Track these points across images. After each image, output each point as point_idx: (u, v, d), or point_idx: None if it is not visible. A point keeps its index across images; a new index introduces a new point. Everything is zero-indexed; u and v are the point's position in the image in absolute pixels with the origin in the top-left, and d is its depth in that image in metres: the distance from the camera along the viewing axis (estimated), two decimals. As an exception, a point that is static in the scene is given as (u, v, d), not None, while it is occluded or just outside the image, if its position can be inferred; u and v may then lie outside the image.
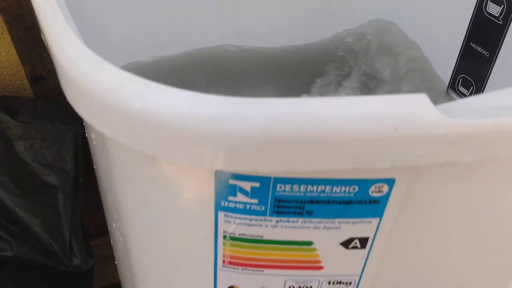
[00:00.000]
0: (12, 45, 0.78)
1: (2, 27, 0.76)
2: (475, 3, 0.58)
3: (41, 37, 0.73)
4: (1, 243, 0.72)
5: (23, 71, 0.82)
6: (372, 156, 0.23)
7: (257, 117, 0.22)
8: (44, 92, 0.81)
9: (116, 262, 0.61)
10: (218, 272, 0.33)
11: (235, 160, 0.23)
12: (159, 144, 0.23)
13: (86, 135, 0.41)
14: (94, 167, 0.49)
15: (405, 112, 0.22)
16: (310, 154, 0.22)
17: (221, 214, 0.29)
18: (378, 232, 0.30)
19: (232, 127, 0.22)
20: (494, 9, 0.56)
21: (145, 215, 0.33)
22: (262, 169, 0.23)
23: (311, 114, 0.22)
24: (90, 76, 0.24)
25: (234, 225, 0.29)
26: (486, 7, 0.57)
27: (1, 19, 0.74)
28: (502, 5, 0.55)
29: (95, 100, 0.24)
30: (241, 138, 0.22)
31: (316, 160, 0.23)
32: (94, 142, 0.34)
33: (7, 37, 0.77)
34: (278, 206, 0.28)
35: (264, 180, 0.27)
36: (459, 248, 0.33)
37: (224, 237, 0.30)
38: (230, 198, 0.28)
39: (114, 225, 0.41)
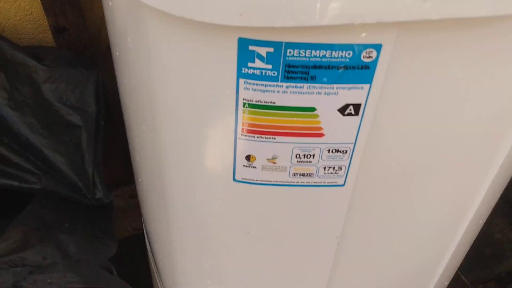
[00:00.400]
0: (36, -1, 0.84)
1: (27, -19, 0.82)
2: None
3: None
4: (31, 176, 0.79)
5: (46, 24, 0.89)
6: (361, 11, 0.30)
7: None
8: (66, 43, 0.88)
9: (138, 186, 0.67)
10: (238, 141, 0.40)
11: (255, 16, 0.30)
12: (197, 5, 0.30)
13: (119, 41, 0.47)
14: (120, 87, 0.56)
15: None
16: (317, 6, 0.29)
17: (241, 81, 0.36)
18: (368, 99, 0.37)
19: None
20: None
21: (179, 97, 0.39)
22: (278, 23, 0.30)
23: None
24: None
25: (252, 92, 0.36)
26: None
27: (27, -28, 0.80)
28: None
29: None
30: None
31: (320, 14, 0.30)
32: (128, 23, 0.40)
33: (32, -9, 0.83)
34: (288, 72, 0.35)
35: (277, 45, 0.34)
36: (443, 118, 0.39)
37: (244, 104, 0.37)
38: (250, 64, 0.35)
39: (145, 134, 0.48)
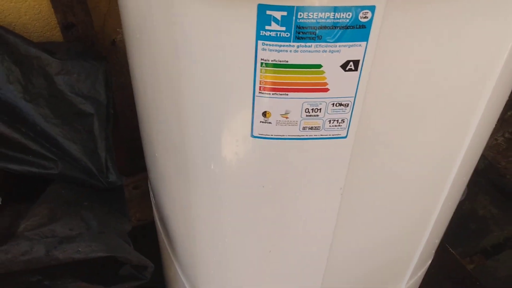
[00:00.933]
0: (45, -2, 0.90)
1: (36, -18, 0.88)
2: None
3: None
4: (48, 163, 0.84)
5: (53, 22, 0.95)
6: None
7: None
8: (74, 39, 0.94)
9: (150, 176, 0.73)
10: (256, 99, 0.47)
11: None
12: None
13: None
14: (136, 70, 0.62)
15: None
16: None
17: (260, 43, 0.43)
18: (366, 55, 0.44)
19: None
20: None
21: (202, 59, 0.46)
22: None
23: None
24: None
25: (269, 52, 0.43)
26: None
27: (37, -27, 0.86)
28: None
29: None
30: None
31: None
32: (153, 6, 0.47)
33: (41, -9, 0.89)
34: (299, 33, 0.42)
35: (290, 9, 0.40)
36: (430, 69, 0.46)
37: (261, 64, 0.44)
38: (267, 27, 0.42)
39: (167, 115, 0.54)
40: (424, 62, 0.46)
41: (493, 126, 0.63)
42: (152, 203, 0.96)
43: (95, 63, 0.88)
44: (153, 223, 0.98)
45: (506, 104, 1.67)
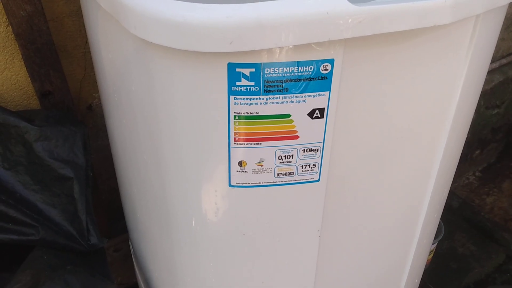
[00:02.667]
0: (22, 68, 0.93)
1: (12, 53, 0.92)
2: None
3: (48, 56, 0.90)
4: (29, 229, 0.85)
5: (30, 91, 0.98)
6: (315, 33, 0.41)
7: (251, 13, 0.40)
8: (51, 105, 0.97)
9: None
10: (231, 149, 0.50)
11: (241, 42, 0.41)
12: (200, 41, 0.41)
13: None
14: (114, 130, 0.64)
15: (332, 2, 0.40)
16: (281, 33, 0.40)
17: (232, 97, 0.46)
18: (329, 103, 0.48)
19: (238, 21, 0.40)
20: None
21: (180, 116, 0.49)
22: (259, 46, 0.41)
23: (282, 9, 0.40)
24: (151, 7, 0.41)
25: (240, 105, 0.46)
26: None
27: (14, 45, 0.89)
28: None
29: (154, 20, 0.41)
30: (243, 27, 0.40)
31: (285, 37, 0.41)
32: (132, 67, 0.50)
33: (17, 62, 0.93)
34: (267, 86, 0.46)
35: (257, 66, 0.44)
36: (390, 112, 0.51)
37: (234, 117, 0.47)
38: (237, 83, 0.45)
39: (144, 157, 0.57)
40: (383, 105, 0.51)
41: (457, 160, 0.67)
42: (135, 265, 0.95)
43: (73, 127, 0.90)
44: (136, 286, 0.97)
45: (473, 144, 1.73)
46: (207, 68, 0.45)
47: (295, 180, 0.52)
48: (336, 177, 0.54)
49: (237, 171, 0.51)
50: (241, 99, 0.46)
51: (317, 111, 0.48)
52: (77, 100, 1.04)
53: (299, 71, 0.45)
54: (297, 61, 0.45)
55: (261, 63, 0.44)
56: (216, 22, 0.40)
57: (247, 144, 0.49)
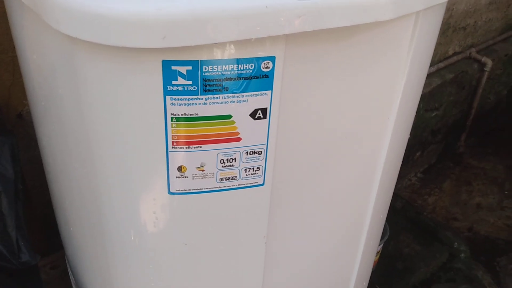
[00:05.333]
0: None
1: None
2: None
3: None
4: (-50, 249, 0.77)
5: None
6: (253, 28, 0.39)
7: (184, 6, 0.37)
8: (-23, 114, 0.89)
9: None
10: (169, 154, 0.46)
11: (175, 38, 0.38)
12: (129, 35, 0.37)
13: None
14: (43, 137, 0.59)
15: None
16: (218, 27, 0.38)
17: (168, 98, 0.43)
18: (272, 103, 0.46)
19: (170, 14, 0.37)
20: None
21: (111, 120, 0.45)
22: (194, 42, 0.38)
23: (214, 5, 0.37)
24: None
25: (178, 106, 0.43)
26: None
27: None
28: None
29: (78, 13, 0.38)
30: (176, 20, 0.37)
31: (223, 32, 0.38)
32: (57, 68, 0.46)
33: None
34: (205, 85, 0.43)
35: (194, 64, 0.41)
36: (333, 112, 0.49)
37: (171, 118, 0.44)
38: (174, 82, 0.42)
39: (76, 163, 0.52)
40: (327, 104, 0.49)
41: (400, 160, 0.67)
42: (72, 284, 0.89)
43: (0, 137, 0.84)
44: (75, 304, 0.91)
45: (414, 146, 1.77)
46: (140, 66, 0.41)
47: (238, 185, 0.50)
48: (281, 180, 0.52)
49: (176, 177, 0.48)
50: (178, 99, 0.43)
51: (259, 111, 0.46)
52: (6, 108, 0.96)
53: (239, 69, 0.43)
54: (237, 59, 0.42)
55: (198, 61, 0.41)
56: (146, 15, 0.37)
57: (186, 147, 0.46)
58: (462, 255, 1.47)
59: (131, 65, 0.41)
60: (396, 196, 1.70)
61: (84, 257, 0.66)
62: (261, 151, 0.48)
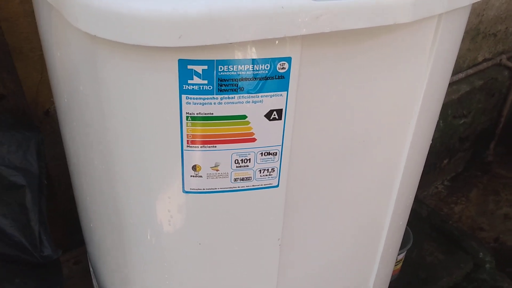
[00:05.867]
0: (-26, 71, 0.88)
1: (-35, 56, 0.87)
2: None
3: (1, 58, 0.86)
4: (-25, 241, 0.79)
5: (-16, 95, 0.92)
6: (269, 29, 0.39)
7: (200, 6, 0.37)
8: (5, 110, 0.92)
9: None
10: (184, 153, 0.47)
11: (191, 37, 0.38)
12: (145, 34, 0.38)
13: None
14: (67, 133, 0.61)
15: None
16: (233, 27, 0.38)
17: (183, 97, 0.43)
18: (288, 104, 0.45)
19: (186, 14, 0.37)
20: None
21: (129, 117, 0.46)
22: (209, 41, 0.38)
23: (233, 1, 0.38)
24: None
25: (193, 105, 0.44)
26: None
27: (-33, 46, 0.85)
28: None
29: (97, 11, 0.38)
30: (192, 20, 0.37)
31: (238, 32, 0.38)
32: (78, 65, 0.47)
33: (-31, 65, 0.88)
34: (221, 85, 0.43)
35: (210, 63, 0.42)
36: (351, 115, 0.49)
37: (187, 117, 0.44)
38: (189, 81, 0.42)
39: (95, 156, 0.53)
40: (344, 107, 0.49)
41: (421, 166, 0.65)
42: (93, 280, 0.91)
43: (27, 133, 0.86)
44: (94, 300, 0.92)
45: (441, 153, 1.73)
46: (157, 65, 0.42)
47: (253, 186, 0.50)
48: (296, 182, 0.51)
49: (191, 176, 0.48)
50: (193, 98, 0.43)
51: (274, 112, 0.46)
52: (34, 104, 0.99)
53: (254, 69, 0.43)
54: (253, 59, 0.42)
55: (214, 60, 0.42)
56: (162, 14, 0.37)
57: (201, 147, 0.46)
58: (487, 265, 1.43)
59: (149, 63, 0.42)
60: (421, 203, 1.67)
61: (103, 254, 0.67)
62: (276, 152, 0.48)
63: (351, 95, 0.48)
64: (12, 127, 0.85)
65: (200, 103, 0.44)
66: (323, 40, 0.43)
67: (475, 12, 1.60)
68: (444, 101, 1.74)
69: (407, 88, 0.51)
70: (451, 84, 1.71)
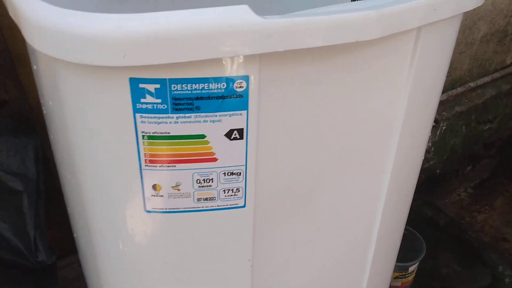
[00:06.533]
0: (-23, 76, 0.90)
1: (-32, 61, 0.88)
2: None
3: (3, 64, 0.86)
4: (-28, 244, 0.80)
5: (-13, 100, 0.94)
6: (218, 48, 0.37)
7: (145, 24, 0.36)
8: (8, 115, 0.93)
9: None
10: (143, 172, 0.45)
11: (136, 56, 0.36)
12: (89, 53, 0.37)
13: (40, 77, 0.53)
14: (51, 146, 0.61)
15: (236, 15, 0.36)
16: (183, 45, 0.36)
17: (138, 115, 0.42)
18: (249, 123, 0.43)
19: (130, 32, 0.36)
20: None
21: (88, 135, 0.45)
22: (156, 61, 0.37)
23: (180, 20, 0.36)
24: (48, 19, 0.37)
25: (148, 124, 0.42)
26: None
27: (-31, 52, 0.86)
28: None
29: (43, 29, 0.37)
30: (136, 39, 0.36)
31: (188, 50, 0.37)
32: (45, 80, 0.46)
33: (-28, 70, 0.89)
34: (175, 104, 0.41)
35: (162, 82, 0.40)
36: (317, 134, 0.46)
37: (143, 136, 0.43)
38: (142, 100, 0.41)
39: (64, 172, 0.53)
40: (314, 126, 0.46)
41: (411, 187, 0.62)
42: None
43: (25, 138, 0.87)
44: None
45: (464, 160, 1.66)
46: (109, 84, 0.41)
47: (218, 206, 0.48)
48: (266, 202, 0.49)
49: (151, 195, 0.47)
50: (148, 117, 0.42)
51: (235, 131, 0.44)
52: (37, 110, 1.00)
53: (210, 88, 0.41)
54: (207, 78, 0.40)
55: (166, 79, 0.40)
56: (106, 33, 0.36)
57: (159, 166, 0.45)
58: (507, 280, 1.36)
59: (102, 82, 0.41)
60: (440, 211, 1.62)
61: (85, 265, 0.67)
62: (240, 172, 0.46)
63: (321, 114, 0.46)
64: (11, 132, 0.86)
65: (155, 122, 0.42)
66: (285, 58, 0.41)
67: (502, 14, 1.53)
68: (466, 106, 1.67)
69: (384, 107, 0.48)
70: (474, 89, 1.64)
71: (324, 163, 0.49)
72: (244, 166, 0.46)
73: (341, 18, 0.38)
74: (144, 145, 0.44)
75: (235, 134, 0.44)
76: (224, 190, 0.47)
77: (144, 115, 0.42)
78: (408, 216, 0.66)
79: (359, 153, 0.50)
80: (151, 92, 0.41)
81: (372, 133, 0.50)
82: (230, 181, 0.47)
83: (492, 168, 1.88)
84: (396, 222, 0.64)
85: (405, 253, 1.15)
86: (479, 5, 0.48)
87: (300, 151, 0.47)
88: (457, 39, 1.25)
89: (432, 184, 1.70)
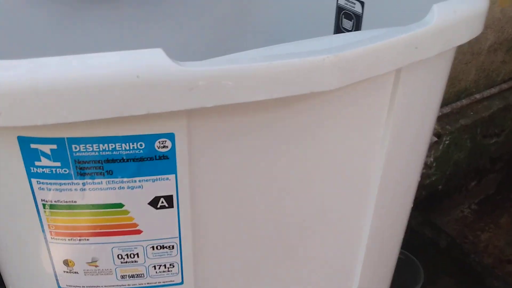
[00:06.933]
0: None
1: None
2: (334, 22, 0.66)
3: None
4: None
5: None
6: (123, 104, 0.28)
7: (21, 74, 0.26)
8: None
9: None
10: (50, 245, 0.36)
11: (15, 115, 0.27)
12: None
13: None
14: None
15: (145, 62, 0.27)
16: (75, 101, 0.27)
17: (34, 181, 0.33)
18: (179, 189, 0.34)
19: (6, 86, 0.27)
20: (347, 24, 0.64)
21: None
22: (40, 121, 0.28)
23: (70, 66, 0.27)
24: None
25: (48, 191, 0.33)
26: (341, 24, 0.65)
27: None
28: (352, 20, 0.63)
29: None
30: (13, 94, 0.27)
31: (82, 108, 0.27)
32: None
33: None
34: (80, 168, 0.32)
35: (59, 141, 0.31)
36: (265, 194, 0.37)
37: (44, 206, 0.34)
38: (37, 163, 0.32)
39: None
40: (267, 184, 0.37)
41: (396, 241, 0.53)
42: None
43: None
44: None
45: (469, 174, 1.55)
46: (-4, 143, 0.31)
47: (148, 283, 0.39)
48: (210, 277, 0.40)
49: (64, 271, 0.38)
50: (47, 183, 0.33)
51: (161, 199, 0.35)
52: None
53: (123, 148, 0.32)
54: (117, 136, 0.31)
55: (64, 138, 0.31)
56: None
57: (68, 239, 0.36)
58: (511, 310, 1.27)
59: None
60: (441, 231, 1.52)
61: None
62: (173, 246, 0.37)
63: (273, 174, 0.36)
64: None
65: (57, 189, 0.33)
66: (221, 109, 0.32)
67: (511, 22, 1.43)
68: (472, 119, 1.55)
69: (357, 160, 0.39)
70: (480, 101, 1.54)
71: (281, 228, 0.40)
72: (178, 238, 0.37)
73: (289, 65, 0.28)
74: (46, 215, 0.35)
75: (162, 202, 0.35)
76: (155, 266, 0.38)
77: (41, 180, 0.33)
78: (406, 236, 0.58)
79: (326, 217, 0.41)
80: (47, 154, 0.32)
81: (341, 192, 0.40)
82: (161, 255, 0.37)
83: (498, 183, 1.78)
84: (380, 273, 0.55)
85: (402, 281, 1.06)
86: (476, 35, 0.39)
87: (249, 216, 0.38)
88: (463, 49, 1.15)
89: (433, 201, 1.60)
